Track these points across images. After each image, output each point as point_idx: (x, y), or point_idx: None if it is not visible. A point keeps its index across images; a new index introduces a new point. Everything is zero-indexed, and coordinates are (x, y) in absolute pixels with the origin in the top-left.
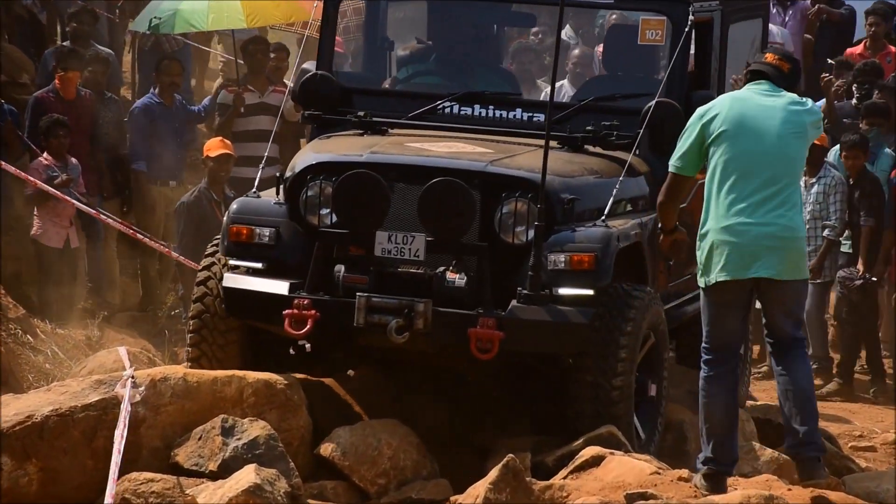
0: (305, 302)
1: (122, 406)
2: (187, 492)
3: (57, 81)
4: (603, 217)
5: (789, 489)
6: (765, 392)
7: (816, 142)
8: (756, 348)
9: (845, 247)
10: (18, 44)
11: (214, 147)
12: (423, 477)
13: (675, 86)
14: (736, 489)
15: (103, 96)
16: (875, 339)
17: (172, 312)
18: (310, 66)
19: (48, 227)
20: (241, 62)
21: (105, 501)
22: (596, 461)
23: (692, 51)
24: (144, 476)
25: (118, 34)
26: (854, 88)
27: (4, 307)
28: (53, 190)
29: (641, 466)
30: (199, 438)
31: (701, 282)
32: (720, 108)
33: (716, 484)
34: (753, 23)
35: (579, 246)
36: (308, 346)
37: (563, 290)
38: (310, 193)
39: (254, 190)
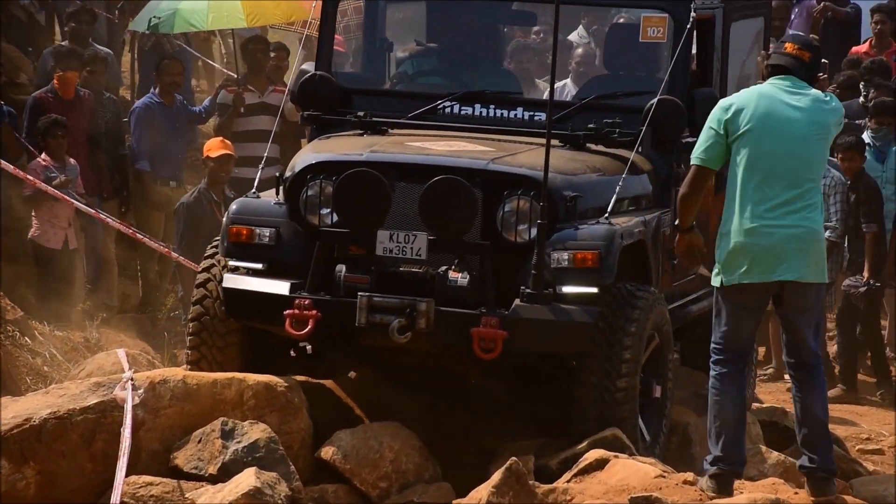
0: (306, 302)
1: (125, 407)
2: (187, 495)
3: (55, 81)
4: (606, 215)
5: (796, 493)
6: (770, 395)
7: None
8: (761, 350)
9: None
10: (16, 43)
11: (215, 147)
12: (425, 480)
13: (677, 83)
14: (742, 493)
15: (102, 97)
16: (880, 342)
17: (172, 314)
18: (309, 66)
19: (46, 228)
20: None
21: (112, 500)
22: (600, 464)
23: (694, 49)
24: (143, 479)
25: (117, 34)
26: (861, 87)
27: (2, 309)
28: (52, 190)
29: (646, 469)
30: (199, 441)
31: (717, 281)
32: (746, 104)
33: (723, 485)
34: (756, 21)
35: (582, 243)
36: (309, 347)
37: (567, 289)
38: (310, 193)
39: (253, 190)
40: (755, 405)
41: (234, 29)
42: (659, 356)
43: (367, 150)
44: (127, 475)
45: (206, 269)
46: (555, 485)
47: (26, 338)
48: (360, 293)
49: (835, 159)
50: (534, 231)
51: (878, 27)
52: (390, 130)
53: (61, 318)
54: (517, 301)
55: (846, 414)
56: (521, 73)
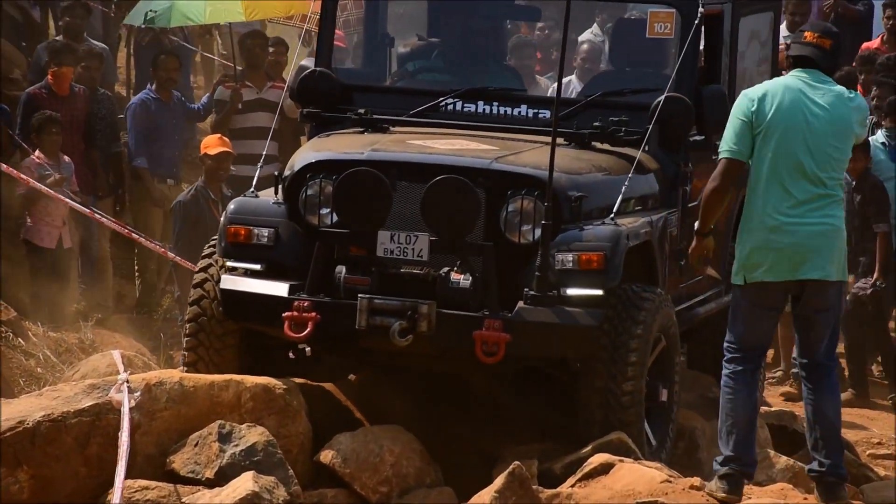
0: (305, 304)
1: (122, 410)
2: (183, 500)
3: (50, 77)
4: (611, 215)
5: (805, 498)
6: (779, 398)
7: None
8: (770, 352)
9: None
10: (10, 39)
11: (213, 144)
12: (426, 485)
13: (684, 80)
14: (750, 498)
15: (96, 93)
16: (889, 345)
17: (168, 315)
18: (308, 62)
19: (40, 227)
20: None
21: (114, 501)
22: (605, 469)
23: (702, 45)
24: (139, 484)
25: (113, 28)
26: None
27: None
28: (46, 189)
29: (652, 474)
30: (196, 445)
31: (737, 279)
32: (772, 96)
33: (735, 486)
34: (765, 16)
35: (587, 245)
36: (308, 349)
37: (572, 291)
38: (309, 192)
39: (252, 189)
40: (763, 409)
41: (232, 24)
42: (665, 359)
43: (368, 148)
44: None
45: (204, 270)
46: (559, 490)
47: (19, 339)
48: (360, 295)
49: None
50: (538, 232)
51: (891, 22)
52: (391, 128)
53: (55, 318)
54: (521, 303)
55: (856, 418)
56: (522, 69)
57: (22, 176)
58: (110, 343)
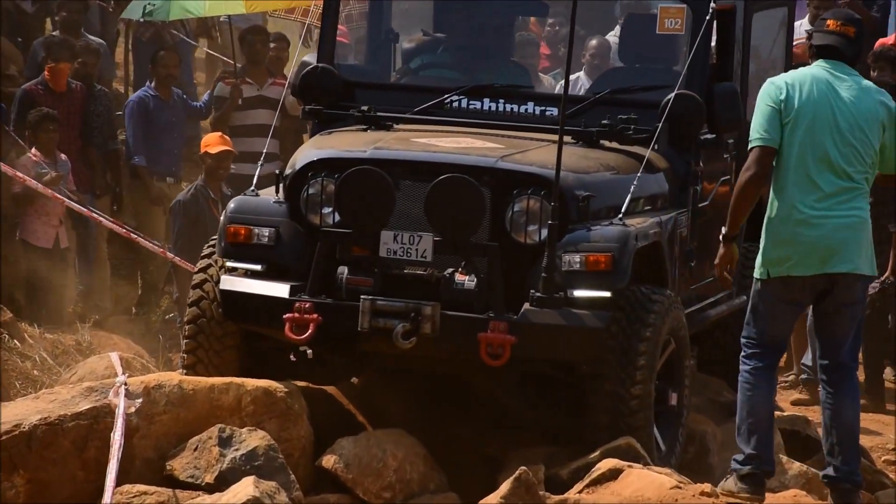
0: (307, 305)
1: (117, 411)
2: None
3: (46, 73)
4: (620, 215)
5: None
6: (790, 404)
7: None
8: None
9: None
10: (6, 34)
11: (214, 143)
12: (430, 490)
13: (695, 77)
14: None
15: (93, 89)
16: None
17: (167, 316)
18: (310, 58)
19: (37, 227)
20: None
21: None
22: (613, 474)
23: (714, 41)
24: (137, 489)
25: (111, 24)
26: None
27: None
28: (42, 187)
29: (661, 480)
30: (195, 449)
31: (762, 273)
32: (800, 85)
33: (758, 486)
34: (778, 11)
35: (595, 245)
36: (309, 351)
37: (579, 292)
38: (311, 191)
39: (252, 188)
40: (776, 413)
41: (232, 19)
42: (675, 362)
43: (371, 146)
44: (120, 484)
45: (203, 270)
46: (566, 495)
47: (15, 341)
48: (362, 296)
49: None
50: (544, 232)
51: None
52: (395, 126)
53: (52, 320)
54: (526, 305)
55: (871, 423)
56: (526, 67)
57: (18, 174)
58: (108, 345)
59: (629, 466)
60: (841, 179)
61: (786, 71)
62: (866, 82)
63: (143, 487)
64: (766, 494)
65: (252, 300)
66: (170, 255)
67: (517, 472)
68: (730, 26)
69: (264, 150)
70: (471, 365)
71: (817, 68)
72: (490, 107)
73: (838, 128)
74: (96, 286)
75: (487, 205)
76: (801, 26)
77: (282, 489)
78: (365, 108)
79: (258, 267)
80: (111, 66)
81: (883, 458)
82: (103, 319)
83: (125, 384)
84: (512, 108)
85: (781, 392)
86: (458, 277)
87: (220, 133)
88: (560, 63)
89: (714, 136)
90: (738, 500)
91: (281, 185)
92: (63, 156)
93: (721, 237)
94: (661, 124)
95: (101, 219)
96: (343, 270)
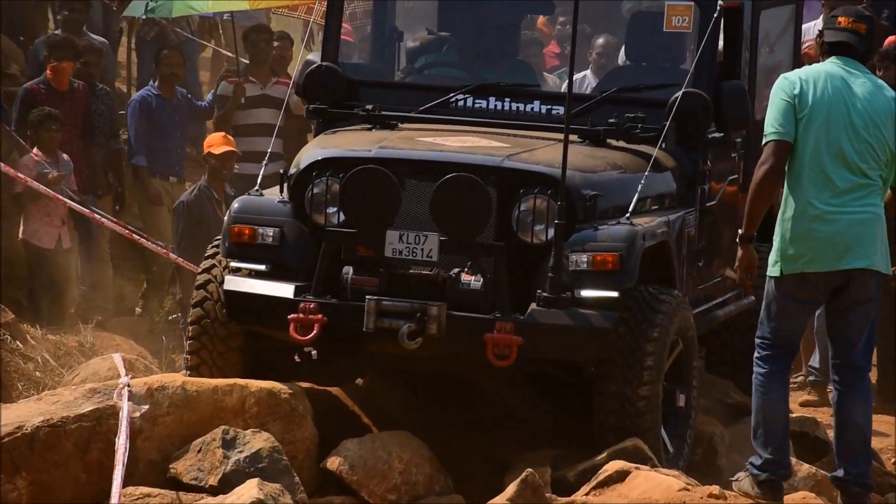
0: (311, 306)
1: (121, 413)
2: None
3: (49, 72)
4: (627, 215)
5: None
6: (798, 406)
7: None
8: None
9: None
10: (7, 33)
11: (217, 143)
12: (436, 492)
13: (703, 76)
14: None
15: (95, 88)
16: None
17: (170, 317)
18: (314, 57)
19: (39, 227)
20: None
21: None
22: (620, 476)
23: (721, 39)
24: (141, 491)
25: (113, 22)
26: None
27: None
28: (44, 189)
29: (669, 482)
30: (199, 451)
31: (775, 271)
32: (814, 81)
33: (776, 492)
34: (786, 9)
35: (602, 245)
36: (314, 352)
37: (586, 292)
38: (316, 191)
39: (256, 187)
40: None
41: (235, 15)
42: (683, 363)
43: (376, 145)
44: (124, 486)
45: (207, 270)
46: (573, 498)
47: (17, 342)
48: (367, 296)
49: None
50: (551, 231)
51: None
52: (400, 125)
53: (54, 320)
54: (533, 305)
55: (881, 425)
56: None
57: (19, 175)
58: (111, 346)
59: (636, 468)
60: (856, 176)
61: (794, 69)
62: (879, 80)
63: (146, 490)
64: None
65: (256, 301)
66: (172, 255)
67: (523, 473)
68: (737, 24)
69: (268, 150)
70: (477, 366)
71: (831, 65)
72: (496, 106)
73: (853, 124)
74: (99, 287)
75: (493, 204)
76: (815, 26)
77: (286, 491)
78: (369, 107)
79: (262, 267)
80: (114, 66)
81: (893, 461)
82: (106, 320)
83: (128, 386)
84: (518, 107)
85: (790, 394)
86: (465, 277)
87: (223, 133)
88: (562, 62)
89: (722, 134)
90: None
91: (285, 185)
92: (65, 156)
93: (738, 238)
94: (668, 123)
95: (102, 219)
96: (348, 270)
